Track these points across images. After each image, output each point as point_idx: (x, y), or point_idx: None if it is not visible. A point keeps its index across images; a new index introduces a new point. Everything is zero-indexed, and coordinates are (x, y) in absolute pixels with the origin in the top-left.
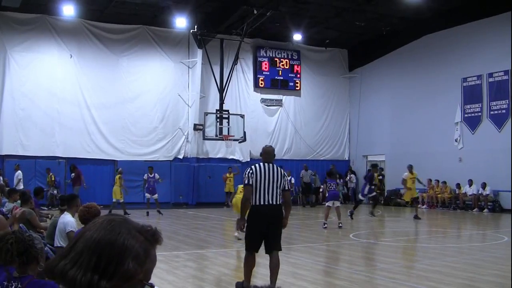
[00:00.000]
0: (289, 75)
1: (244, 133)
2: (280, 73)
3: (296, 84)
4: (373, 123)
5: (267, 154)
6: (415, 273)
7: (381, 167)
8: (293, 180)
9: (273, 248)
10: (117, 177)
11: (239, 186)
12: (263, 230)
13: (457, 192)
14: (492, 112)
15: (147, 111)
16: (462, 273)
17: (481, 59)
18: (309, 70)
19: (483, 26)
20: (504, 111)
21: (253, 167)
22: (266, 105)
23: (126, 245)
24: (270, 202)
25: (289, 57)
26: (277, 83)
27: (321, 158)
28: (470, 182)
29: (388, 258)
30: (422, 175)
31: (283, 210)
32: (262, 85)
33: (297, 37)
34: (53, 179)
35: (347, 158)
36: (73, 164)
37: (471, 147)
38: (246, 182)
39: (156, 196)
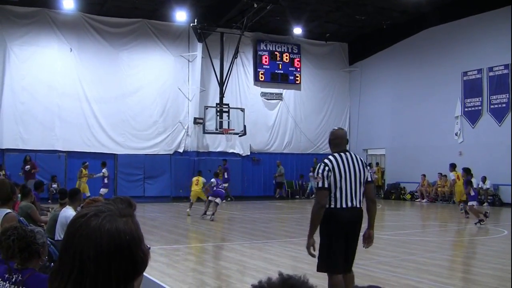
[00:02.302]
0: (289, 68)
1: (244, 126)
2: (280, 67)
3: (296, 78)
4: (373, 116)
5: (340, 139)
6: (415, 267)
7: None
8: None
9: (351, 265)
10: (83, 171)
11: (193, 178)
12: (344, 241)
13: None
14: (492, 106)
15: (147, 105)
16: (462, 267)
17: (481, 53)
18: (309, 64)
19: (483, 20)
20: (504, 105)
21: (327, 161)
22: (266, 99)
23: (128, 242)
24: (353, 204)
25: (289, 50)
26: (277, 76)
27: (321, 152)
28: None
29: (388, 251)
30: (421, 169)
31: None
32: (262, 79)
33: (297, 30)
34: (3, 173)
35: None
36: (28, 155)
37: (471, 141)
38: (320, 185)
39: (102, 190)
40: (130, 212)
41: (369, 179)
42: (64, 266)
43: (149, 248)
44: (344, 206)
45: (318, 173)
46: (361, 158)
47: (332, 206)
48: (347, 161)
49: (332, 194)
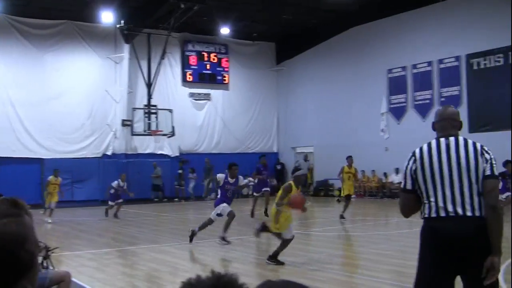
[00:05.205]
0: (217, 69)
1: (173, 128)
2: (208, 67)
3: (224, 78)
4: (301, 115)
5: (445, 120)
6: (345, 262)
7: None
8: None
9: None
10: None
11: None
12: (448, 268)
13: (384, 180)
14: (416, 102)
15: (74, 108)
16: (391, 260)
17: (405, 51)
18: (237, 64)
19: (409, 18)
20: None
21: (416, 150)
22: (194, 99)
23: (8, 242)
24: (459, 211)
25: (217, 51)
26: (205, 77)
27: (250, 151)
28: (396, 171)
29: (318, 247)
30: None
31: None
32: (190, 79)
33: (225, 31)
34: None
35: (276, 151)
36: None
37: (396, 136)
38: (402, 185)
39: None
40: (15, 212)
41: (488, 172)
42: None
43: (48, 247)
44: (442, 214)
45: (406, 169)
46: (477, 144)
47: (426, 215)
48: (446, 148)
49: (425, 197)
